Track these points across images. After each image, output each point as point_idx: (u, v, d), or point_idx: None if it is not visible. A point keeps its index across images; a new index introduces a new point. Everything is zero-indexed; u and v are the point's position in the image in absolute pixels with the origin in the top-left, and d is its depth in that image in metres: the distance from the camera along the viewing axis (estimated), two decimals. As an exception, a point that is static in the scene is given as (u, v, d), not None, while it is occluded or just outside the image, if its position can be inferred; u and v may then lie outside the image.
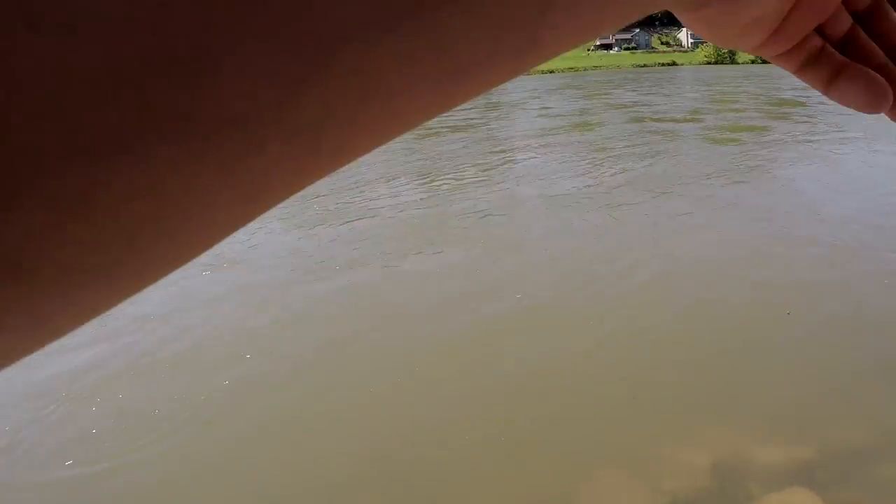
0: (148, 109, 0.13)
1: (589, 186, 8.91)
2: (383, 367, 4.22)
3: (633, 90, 30.22)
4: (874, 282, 5.00)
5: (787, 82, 31.09)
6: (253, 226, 8.44)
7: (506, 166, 11.26)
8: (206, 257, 7.19)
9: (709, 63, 71.63)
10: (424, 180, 10.57)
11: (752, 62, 70.41)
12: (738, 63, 70.11)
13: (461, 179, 10.20)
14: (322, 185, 10.94)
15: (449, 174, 10.79)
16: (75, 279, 0.14)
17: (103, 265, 0.14)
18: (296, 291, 5.81)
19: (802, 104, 19.56)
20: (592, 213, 7.44)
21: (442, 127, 18.83)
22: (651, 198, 7.96)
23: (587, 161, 10.98)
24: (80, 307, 0.15)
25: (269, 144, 0.15)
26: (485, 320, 4.78)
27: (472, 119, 20.72)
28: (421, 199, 9.22)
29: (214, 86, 0.13)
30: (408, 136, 17.91)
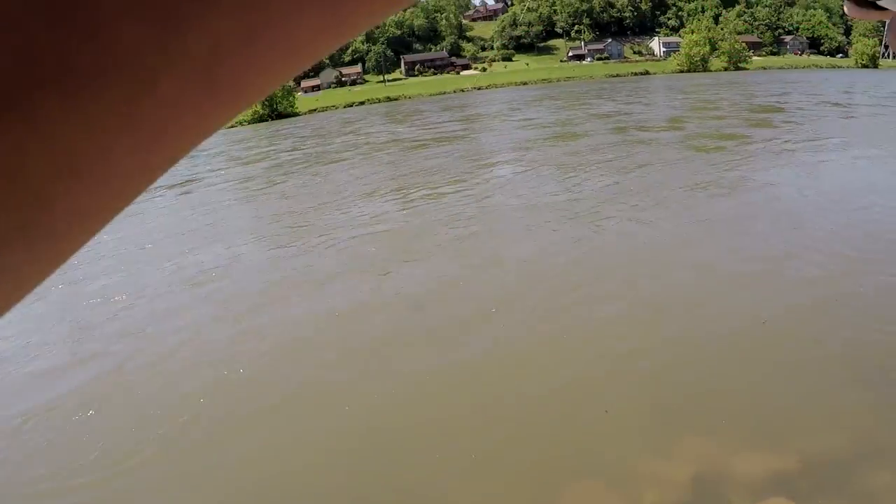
0: (27, 58, 0.12)
1: (574, 199, 8.94)
2: (368, 386, 4.19)
3: (612, 100, 30.54)
4: (853, 292, 5.04)
5: (762, 89, 31.73)
6: (235, 241, 8.29)
7: (490, 179, 11.30)
8: (189, 272, 7.02)
9: (681, 71, 72.79)
10: (409, 194, 10.58)
11: (725, 69, 72.04)
12: (711, 71, 71.46)
13: (445, 194, 10.22)
14: (309, 200, 10.81)
15: (432, 188, 10.81)
16: None
17: (17, 227, 0.14)
18: (275, 311, 5.76)
19: (781, 110, 19.92)
20: (577, 229, 7.47)
21: (427, 139, 18.82)
22: (637, 210, 8.00)
23: (572, 172, 11.01)
24: (4, 277, 0.15)
25: (160, 83, 0.14)
26: (463, 341, 4.77)
27: (455, 131, 20.77)
28: (404, 213, 9.21)
29: (94, 27, 0.13)
30: (394, 148, 17.75)
